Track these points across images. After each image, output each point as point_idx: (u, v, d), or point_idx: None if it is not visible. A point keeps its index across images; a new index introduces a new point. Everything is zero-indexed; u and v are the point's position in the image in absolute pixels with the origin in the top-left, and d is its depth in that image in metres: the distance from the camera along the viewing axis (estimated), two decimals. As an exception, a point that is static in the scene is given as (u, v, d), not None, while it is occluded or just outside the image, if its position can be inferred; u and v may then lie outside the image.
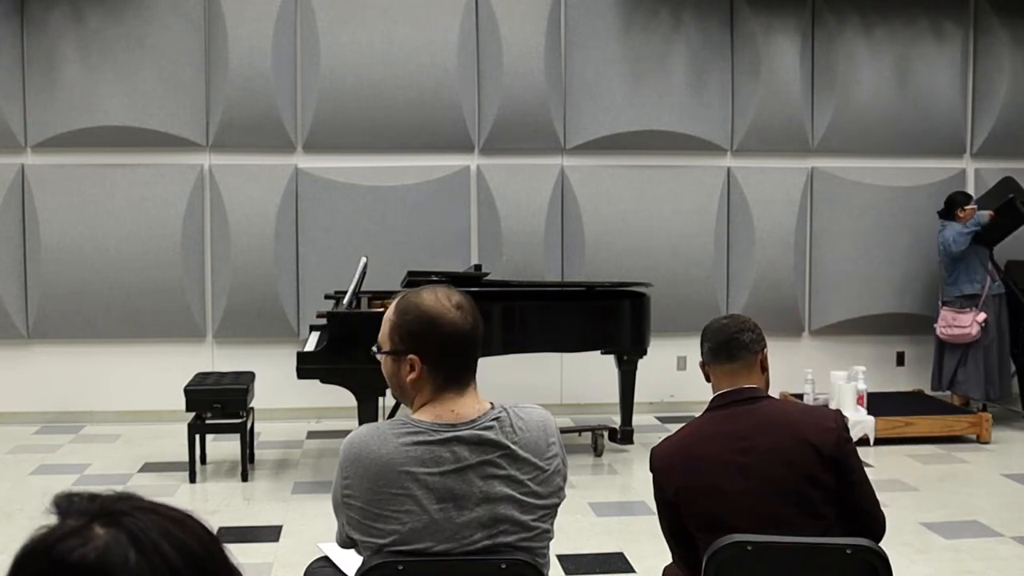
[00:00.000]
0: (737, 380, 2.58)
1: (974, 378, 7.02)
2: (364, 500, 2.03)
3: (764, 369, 2.63)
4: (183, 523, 0.95)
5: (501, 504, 2.04)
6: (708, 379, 2.66)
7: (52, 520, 0.94)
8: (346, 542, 2.16)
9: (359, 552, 2.11)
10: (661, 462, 2.57)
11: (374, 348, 2.17)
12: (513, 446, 2.06)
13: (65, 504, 0.95)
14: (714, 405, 2.60)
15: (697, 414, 2.67)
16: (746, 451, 2.45)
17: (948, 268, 7.11)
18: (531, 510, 2.07)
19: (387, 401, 5.74)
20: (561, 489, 2.15)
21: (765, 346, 2.65)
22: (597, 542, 4.68)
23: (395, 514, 2.02)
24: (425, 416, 2.08)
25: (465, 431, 2.05)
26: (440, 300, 2.08)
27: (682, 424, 2.68)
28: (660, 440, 2.66)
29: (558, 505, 2.15)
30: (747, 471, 2.44)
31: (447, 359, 2.08)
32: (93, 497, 0.96)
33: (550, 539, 2.15)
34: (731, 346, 2.59)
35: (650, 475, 2.60)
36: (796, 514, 2.41)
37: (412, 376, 2.09)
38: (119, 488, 1.00)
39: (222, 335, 7.18)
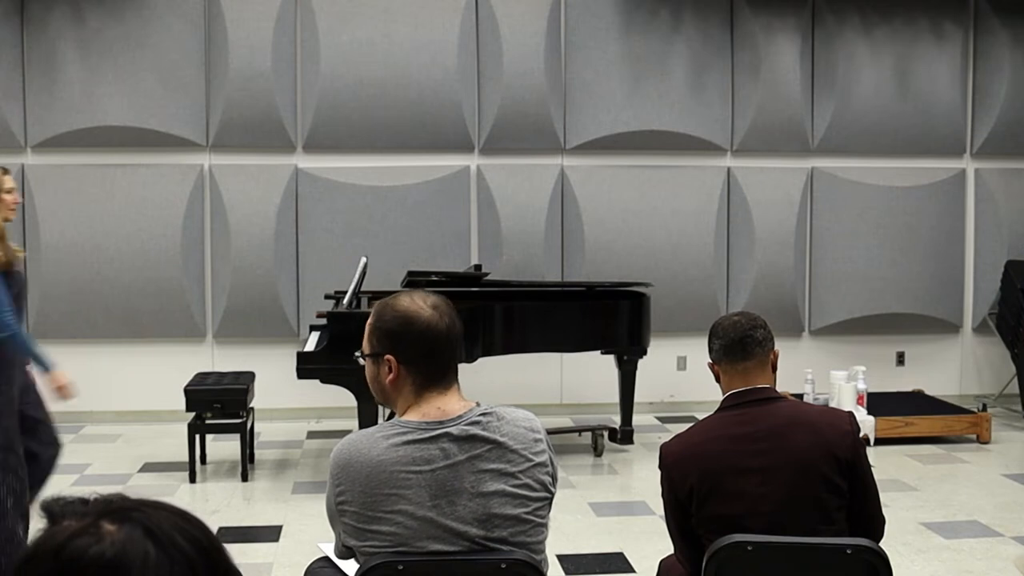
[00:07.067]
0: (750, 379, 2.52)
1: None
2: (359, 504, 2.05)
3: (774, 368, 2.58)
4: (188, 517, 0.95)
5: (494, 498, 2.06)
6: (718, 379, 2.59)
7: (44, 526, 0.92)
8: (343, 553, 2.18)
9: (357, 560, 2.12)
10: (673, 460, 2.51)
11: (356, 354, 2.20)
12: (500, 439, 2.08)
13: (57, 508, 0.93)
14: (727, 405, 2.54)
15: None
16: (762, 454, 2.41)
17: None
18: (524, 503, 2.08)
19: (387, 401, 5.74)
20: (553, 482, 2.16)
21: (775, 344, 2.60)
22: (597, 542, 4.67)
23: (389, 515, 2.03)
24: (412, 416, 2.11)
25: (453, 427, 2.07)
26: (415, 301, 2.13)
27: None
28: (670, 437, 2.61)
29: (551, 499, 2.16)
30: (764, 475, 2.40)
31: (424, 358, 2.11)
32: (84, 500, 0.94)
33: (545, 533, 2.16)
34: (745, 344, 2.52)
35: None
36: (812, 520, 2.38)
37: (391, 377, 2.12)
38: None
39: (222, 335, 7.18)
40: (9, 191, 4.20)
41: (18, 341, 3.96)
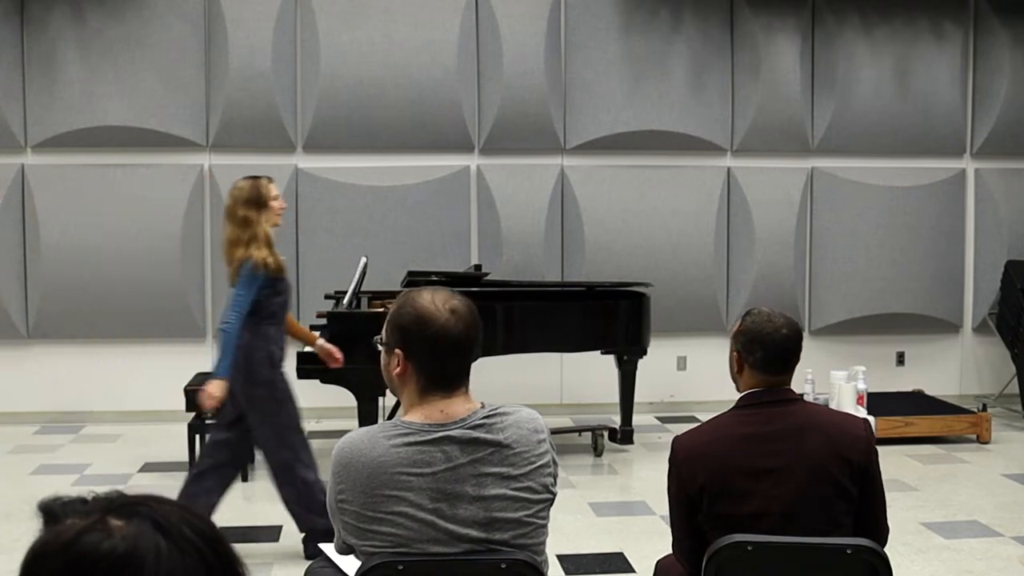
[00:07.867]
0: (773, 383, 2.52)
1: None
2: (358, 504, 2.04)
3: None
4: (191, 510, 0.94)
5: (495, 502, 2.05)
6: (740, 370, 2.55)
7: (42, 525, 0.91)
8: (343, 548, 2.17)
9: (357, 557, 2.12)
10: (684, 456, 2.50)
11: (376, 338, 2.21)
12: (504, 441, 2.07)
13: (57, 507, 0.93)
14: (743, 404, 2.53)
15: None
16: (777, 455, 2.41)
17: None
18: (525, 505, 2.08)
19: (387, 401, 5.74)
20: (554, 483, 2.15)
21: None
22: (597, 542, 4.67)
23: (389, 516, 2.03)
24: (415, 417, 2.10)
25: (455, 430, 2.06)
26: (435, 302, 2.10)
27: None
28: (682, 432, 2.59)
29: (552, 500, 2.15)
30: (777, 476, 2.39)
31: (431, 361, 2.09)
32: (83, 500, 0.94)
33: (546, 533, 2.15)
34: (789, 359, 2.51)
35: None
36: (820, 522, 2.38)
37: (397, 370, 2.12)
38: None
39: (222, 335, 7.17)
40: (275, 198, 4.39)
41: (225, 339, 4.15)
